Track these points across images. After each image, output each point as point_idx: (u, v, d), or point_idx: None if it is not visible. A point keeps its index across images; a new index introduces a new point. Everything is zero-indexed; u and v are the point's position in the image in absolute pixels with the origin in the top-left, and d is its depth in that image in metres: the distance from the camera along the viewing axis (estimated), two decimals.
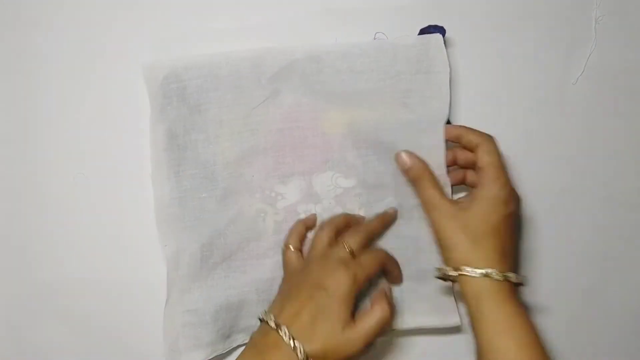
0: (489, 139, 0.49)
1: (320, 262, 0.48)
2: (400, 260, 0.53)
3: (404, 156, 0.50)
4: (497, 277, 0.45)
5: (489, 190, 0.47)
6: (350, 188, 0.54)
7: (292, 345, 0.43)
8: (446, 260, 0.48)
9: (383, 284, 0.53)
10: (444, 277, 0.48)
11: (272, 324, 0.45)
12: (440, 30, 0.53)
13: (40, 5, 0.55)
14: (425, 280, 0.53)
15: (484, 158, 0.48)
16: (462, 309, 0.53)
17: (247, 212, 0.54)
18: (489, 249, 0.46)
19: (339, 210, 0.54)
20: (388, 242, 0.54)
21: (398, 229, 0.54)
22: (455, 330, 0.55)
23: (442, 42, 0.53)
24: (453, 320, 0.53)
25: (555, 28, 0.57)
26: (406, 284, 0.53)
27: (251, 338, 0.47)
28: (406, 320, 0.53)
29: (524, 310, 0.46)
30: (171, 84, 0.53)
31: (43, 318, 0.54)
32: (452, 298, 0.53)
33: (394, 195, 0.54)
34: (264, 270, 0.53)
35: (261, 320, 0.47)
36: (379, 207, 0.54)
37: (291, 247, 0.52)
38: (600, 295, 0.56)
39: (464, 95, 0.56)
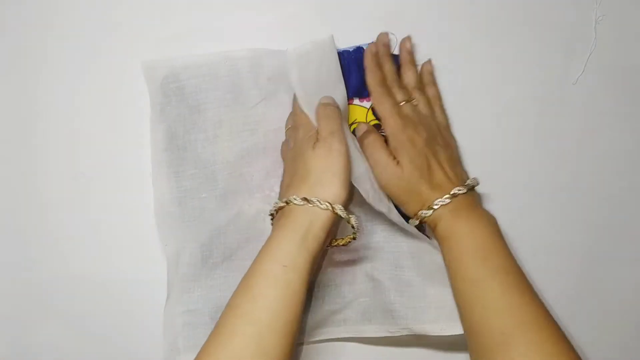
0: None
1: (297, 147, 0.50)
2: (404, 265, 0.53)
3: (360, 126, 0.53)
4: (445, 201, 0.49)
5: (395, 144, 0.51)
6: None
7: (285, 203, 0.47)
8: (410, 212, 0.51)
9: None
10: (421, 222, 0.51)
11: (281, 202, 0.47)
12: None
13: (40, 5, 0.55)
14: (431, 287, 0.52)
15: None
16: None
17: (247, 212, 0.54)
18: (423, 187, 0.50)
19: None
20: (391, 247, 0.53)
21: (401, 231, 0.53)
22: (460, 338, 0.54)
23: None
24: (458, 328, 0.51)
25: (555, 28, 0.57)
26: (411, 290, 0.53)
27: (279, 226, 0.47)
28: (412, 327, 0.52)
29: (487, 217, 0.49)
30: (170, 83, 0.53)
31: (43, 318, 0.54)
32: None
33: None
34: None
35: (286, 202, 0.47)
36: (377, 204, 0.54)
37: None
38: (600, 296, 0.56)
39: (464, 95, 0.56)
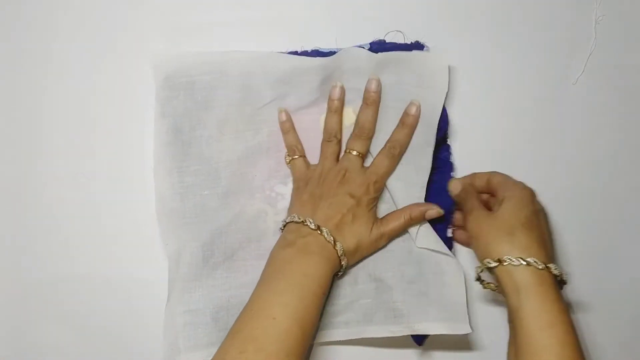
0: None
1: (338, 170, 0.52)
2: (407, 262, 0.53)
3: (453, 184, 0.53)
4: (538, 265, 0.45)
5: (513, 192, 0.50)
6: None
7: (332, 242, 0.49)
8: (485, 256, 0.48)
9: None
10: (483, 275, 0.49)
11: (312, 226, 0.49)
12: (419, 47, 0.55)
13: (44, 2, 0.55)
14: (435, 286, 0.52)
15: (495, 177, 0.52)
16: (473, 317, 0.53)
17: (248, 211, 0.54)
18: (527, 239, 0.47)
19: None
20: (394, 246, 0.53)
21: (403, 232, 0.53)
22: (464, 338, 0.55)
23: (446, 60, 0.53)
24: (464, 328, 0.51)
25: (555, 28, 0.57)
26: (414, 289, 0.52)
27: (285, 238, 0.50)
28: (414, 326, 0.52)
29: (566, 306, 0.46)
30: (180, 77, 0.53)
31: (43, 317, 0.54)
32: (465, 306, 0.52)
33: (390, 196, 0.54)
34: None
35: (296, 222, 0.50)
36: (379, 208, 0.54)
37: (297, 154, 0.54)
38: (600, 296, 0.56)
39: (464, 95, 0.56)
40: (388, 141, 0.53)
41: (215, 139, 0.54)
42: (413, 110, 0.53)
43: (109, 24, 0.56)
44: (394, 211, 0.53)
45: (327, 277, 0.48)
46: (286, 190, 0.54)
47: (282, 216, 0.54)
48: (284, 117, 0.54)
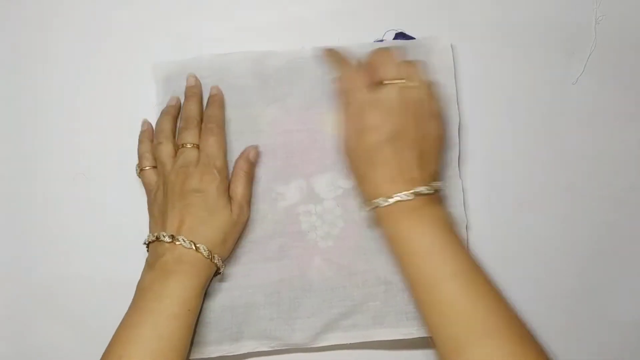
0: None
1: (176, 171, 0.50)
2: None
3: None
4: (409, 194, 0.46)
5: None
6: (351, 189, 0.54)
7: (194, 247, 0.47)
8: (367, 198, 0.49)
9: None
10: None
11: (167, 239, 0.47)
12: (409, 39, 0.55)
13: (41, 3, 0.55)
14: None
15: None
16: None
17: (251, 215, 0.53)
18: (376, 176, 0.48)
19: (339, 211, 0.54)
20: None
21: None
22: None
23: (449, 44, 0.54)
24: None
25: (555, 28, 0.57)
26: None
27: (146, 263, 0.49)
28: (414, 329, 0.52)
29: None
30: (182, 81, 0.54)
31: (43, 318, 0.54)
32: None
33: None
34: (271, 273, 0.53)
35: (150, 242, 0.49)
36: None
37: (147, 167, 0.53)
38: (599, 296, 0.56)
39: (464, 95, 0.56)
40: (203, 121, 0.52)
41: None
42: (214, 90, 0.54)
43: (111, 28, 0.56)
44: (231, 177, 0.52)
45: (191, 292, 0.47)
46: (286, 189, 0.54)
47: (281, 216, 0.53)
48: (144, 127, 0.54)
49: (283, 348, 0.53)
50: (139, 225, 0.54)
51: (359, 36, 0.55)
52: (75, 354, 0.54)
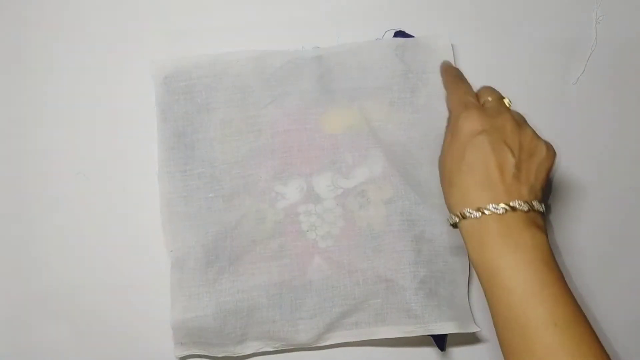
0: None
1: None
2: (418, 262, 0.53)
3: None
4: (502, 207, 0.40)
5: (450, 122, 0.46)
6: (351, 188, 0.54)
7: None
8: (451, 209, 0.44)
9: None
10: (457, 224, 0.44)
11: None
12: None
13: (41, 2, 0.55)
14: (447, 285, 0.53)
15: (447, 89, 0.50)
16: (478, 316, 0.54)
17: (253, 214, 0.54)
18: (462, 186, 0.42)
19: (339, 210, 0.54)
20: (403, 247, 0.53)
21: (411, 232, 0.53)
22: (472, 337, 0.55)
23: (449, 42, 0.54)
24: (473, 327, 0.52)
25: (555, 28, 0.57)
26: (427, 288, 0.52)
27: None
28: (429, 326, 0.52)
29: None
30: (180, 81, 0.53)
31: (44, 318, 0.54)
32: (467, 304, 0.53)
33: (397, 195, 0.54)
34: (272, 273, 0.53)
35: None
36: (381, 208, 0.54)
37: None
38: (599, 296, 0.56)
39: None
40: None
41: (218, 141, 0.53)
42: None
43: (110, 27, 0.55)
44: None
45: None
46: (285, 189, 0.54)
47: (281, 216, 0.53)
48: None
49: (287, 348, 0.53)
50: (140, 225, 0.54)
51: (359, 36, 0.55)
52: (77, 355, 0.54)
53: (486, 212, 0.40)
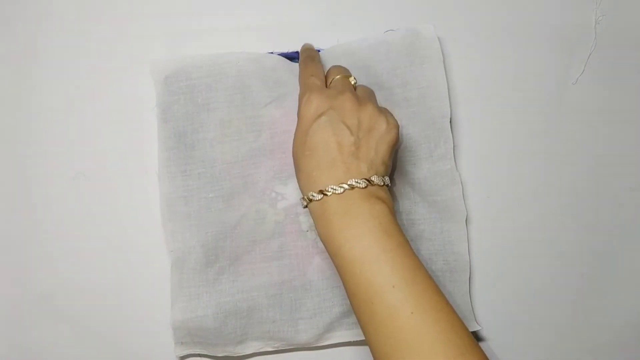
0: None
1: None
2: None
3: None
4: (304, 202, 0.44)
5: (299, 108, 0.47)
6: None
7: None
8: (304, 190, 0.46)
9: None
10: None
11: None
12: None
13: (45, 5, 0.55)
14: (447, 284, 0.53)
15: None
16: (480, 315, 0.54)
17: (252, 214, 0.54)
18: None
19: None
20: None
21: (410, 231, 0.53)
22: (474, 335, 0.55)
23: (433, 31, 0.54)
24: (473, 325, 0.53)
25: (555, 28, 0.57)
26: None
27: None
28: None
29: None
30: (180, 81, 0.53)
31: (44, 319, 0.54)
32: (469, 303, 0.53)
33: (397, 194, 0.54)
34: (272, 273, 0.53)
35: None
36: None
37: None
38: (601, 296, 0.56)
39: (464, 95, 0.56)
40: None
41: (218, 141, 0.53)
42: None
43: (110, 26, 0.55)
44: None
45: None
46: (286, 190, 0.54)
47: (281, 216, 0.54)
48: None
49: (288, 348, 0.53)
50: (140, 225, 0.54)
51: (359, 36, 0.55)
52: (77, 356, 0.54)
53: (327, 193, 0.43)
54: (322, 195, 0.44)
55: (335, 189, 0.43)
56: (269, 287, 0.53)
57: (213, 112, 0.53)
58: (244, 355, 0.53)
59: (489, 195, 0.56)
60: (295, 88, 0.53)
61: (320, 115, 0.45)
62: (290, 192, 0.54)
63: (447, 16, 0.57)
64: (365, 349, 0.54)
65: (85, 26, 0.55)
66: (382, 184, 0.45)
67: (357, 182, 0.43)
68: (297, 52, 0.55)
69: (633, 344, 0.56)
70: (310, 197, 0.44)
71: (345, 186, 0.43)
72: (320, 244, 0.53)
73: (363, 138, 0.45)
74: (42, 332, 0.54)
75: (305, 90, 0.48)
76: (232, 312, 0.52)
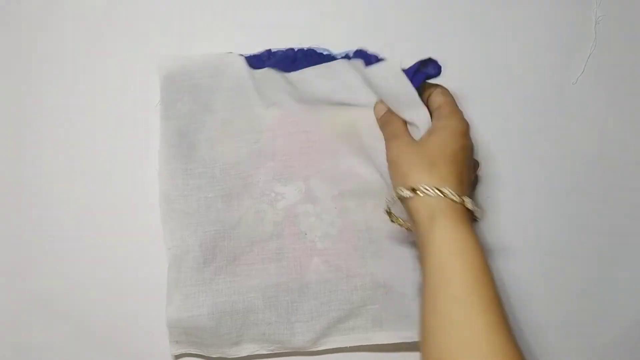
0: (440, 86, 0.50)
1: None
2: (414, 269, 0.52)
3: (378, 107, 0.52)
4: (453, 197, 0.44)
5: (446, 122, 0.47)
6: (349, 190, 0.54)
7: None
8: (399, 185, 0.46)
9: None
10: (394, 209, 0.47)
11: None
12: (435, 66, 0.50)
13: (49, 4, 0.55)
14: None
15: (437, 97, 0.49)
16: None
17: (251, 215, 0.53)
18: (446, 172, 0.45)
19: (337, 211, 0.53)
20: (408, 251, 0.53)
21: (410, 236, 0.53)
22: None
23: (401, 72, 0.49)
24: None
25: (555, 28, 0.57)
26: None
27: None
28: (414, 332, 0.51)
29: (477, 236, 0.44)
30: (184, 80, 0.54)
31: (43, 318, 0.53)
32: None
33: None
34: (269, 275, 0.52)
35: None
36: (378, 209, 0.53)
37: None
38: (599, 297, 0.56)
39: (464, 95, 0.56)
40: None
41: (219, 141, 0.54)
42: None
43: (112, 26, 0.55)
44: None
45: None
46: (285, 190, 0.54)
47: (280, 216, 0.53)
48: None
49: (283, 351, 0.52)
50: (140, 224, 0.54)
51: (359, 37, 0.55)
52: (77, 355, 0.53)
53: (450, 195, 0.44)
54: (453, 195, 0.45)
55: (453, 196, 0.45)
56: (265, 288, 0.52)
57: (215, 113, 0.54)
58: (238, 358, 0.52)
59: (489, 193, 0.56)
60: (296, 90, 0.53)
61: (467, 136, 0.48)
62: (290, 193, 0.54)
63: (446, 16, 0.57)
64: (362, 355, 0.53)
65: (87, 27, 0.55)
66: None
67: (467, 203, 0.45)
68: (292, 49, 0.55)
69: (633, 344, 0.56)
70: (446, 192, 0.45)
71: (460, 200, 0.45)
72: (319, 245, 0.53)
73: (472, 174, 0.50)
74: (37, 330, 0.53)
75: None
76: (228, 312, 0.51)
